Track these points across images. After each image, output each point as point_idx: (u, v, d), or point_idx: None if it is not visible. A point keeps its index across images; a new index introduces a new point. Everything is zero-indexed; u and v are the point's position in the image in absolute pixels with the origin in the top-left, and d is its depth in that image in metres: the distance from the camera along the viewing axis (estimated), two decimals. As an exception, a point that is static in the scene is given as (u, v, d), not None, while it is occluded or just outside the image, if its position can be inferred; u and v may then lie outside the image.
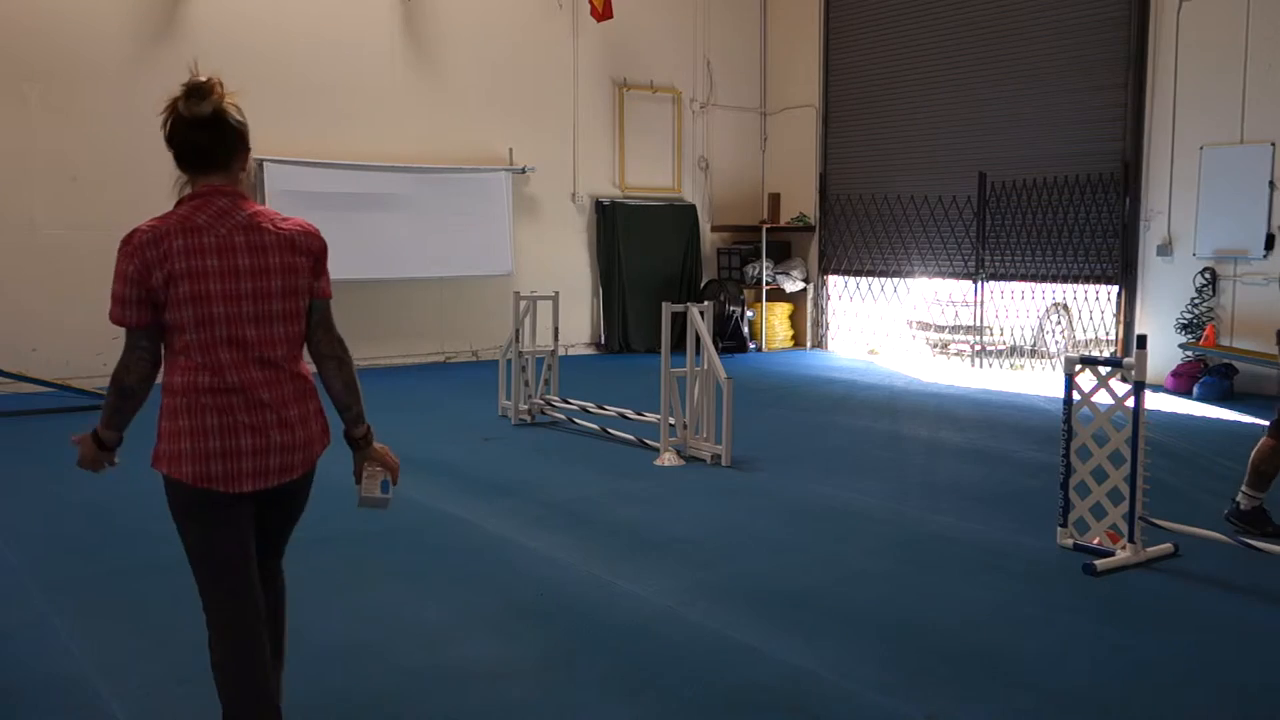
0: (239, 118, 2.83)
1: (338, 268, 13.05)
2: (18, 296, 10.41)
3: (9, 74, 10.28)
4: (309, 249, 2.91)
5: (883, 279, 14.50)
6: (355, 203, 12.03)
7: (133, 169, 10.58)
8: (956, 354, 13.75)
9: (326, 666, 3.94)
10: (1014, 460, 7.43)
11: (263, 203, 11.28)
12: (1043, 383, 11.60)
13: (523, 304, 9.00)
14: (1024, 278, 12.84)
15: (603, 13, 13.04)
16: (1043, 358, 13.02)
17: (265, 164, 11.37)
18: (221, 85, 2.80)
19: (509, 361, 9.10)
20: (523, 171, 13.40)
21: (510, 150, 13.35)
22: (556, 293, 9.41)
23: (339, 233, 11.80)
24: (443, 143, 12.89)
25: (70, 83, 10.54)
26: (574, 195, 14.14)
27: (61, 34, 10.48)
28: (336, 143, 12.07)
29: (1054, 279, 12.55)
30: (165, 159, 2.83)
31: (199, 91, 2.76)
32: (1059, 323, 13.41)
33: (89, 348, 10.69)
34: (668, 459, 7.48)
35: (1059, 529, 5.44)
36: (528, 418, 9.00)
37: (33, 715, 3.58)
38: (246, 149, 2.88)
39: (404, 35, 12.59)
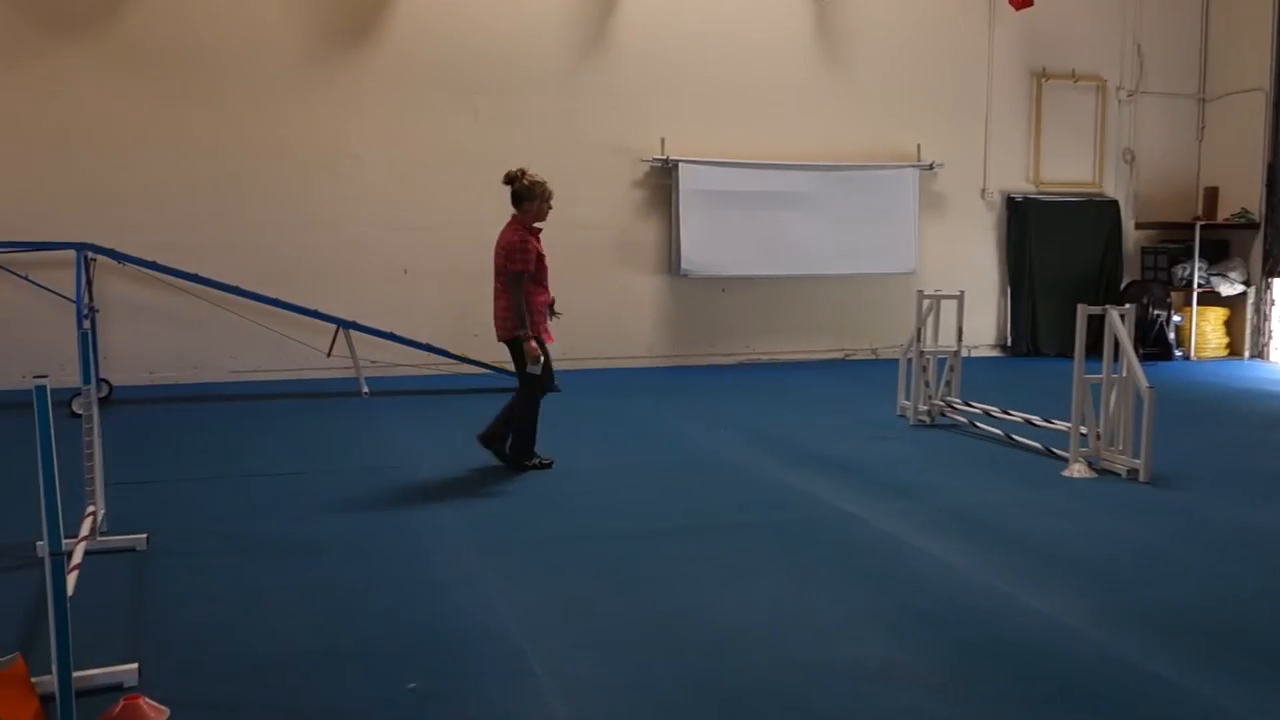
0: None
1: (742, 264, 13.15)
2: (471, 290, 11.16)
3: (460, 88, 11.51)
4: None
5: (1343, 283, 12.78)
6: (762, 201, 12.33)
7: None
8: None
9: (710, 652, 4.06)
10: None
11: (677, 201, 11.86)
12: None
13: (925, 302, 8.83)
14: None
15: (1022, 1, 12.50)
16: None
17: (680, 165, 11.94)
18: None
19: (909, 361, 8.96)
20: (930, 168, 13.12)
21: (918, 146, 13.11)
22: (962, 292, 9.14)
23: (745, 230, 12.26)
24: (850, 140, 12.90)
25: (512, 93, 11.62)
26: (984, 191, 13.65)
27: (507, 49, 11.58)
28: (746, 142, 12.42)
29: None
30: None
31: None
32: None
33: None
34: (1077, 470, 7.06)
35: None
36: (927, 419, 8.82)
37: (465, 660, 4.01)
38: None
39: (815, 34, 12.71)
